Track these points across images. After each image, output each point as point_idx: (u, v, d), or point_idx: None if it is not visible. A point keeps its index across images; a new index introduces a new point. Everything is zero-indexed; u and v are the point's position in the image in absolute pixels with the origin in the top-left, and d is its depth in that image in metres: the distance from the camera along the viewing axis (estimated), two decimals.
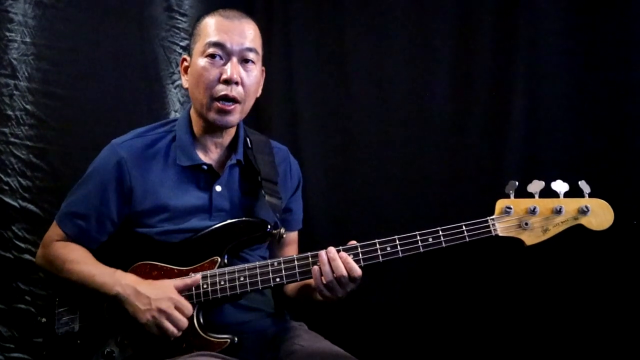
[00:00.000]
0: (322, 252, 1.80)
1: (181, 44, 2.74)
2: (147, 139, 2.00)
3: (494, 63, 2.70)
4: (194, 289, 1.84)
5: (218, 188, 1.97)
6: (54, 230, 2.01)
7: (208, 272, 1.86)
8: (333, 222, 2.81)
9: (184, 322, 1.79)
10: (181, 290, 1.83)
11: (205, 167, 1.96)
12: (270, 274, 1.84)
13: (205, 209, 1.95)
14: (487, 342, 2.64)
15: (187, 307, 1.80)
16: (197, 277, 1.85)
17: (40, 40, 2.55)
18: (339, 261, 1.77)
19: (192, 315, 1.83)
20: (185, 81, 2.01)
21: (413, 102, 2.80)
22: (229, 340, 1.82)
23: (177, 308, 1.79)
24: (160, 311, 1.77)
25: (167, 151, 1.98)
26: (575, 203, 1.80)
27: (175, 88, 2.72)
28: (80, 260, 1.93)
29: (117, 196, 1.94)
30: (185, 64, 2.01)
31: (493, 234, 1.80)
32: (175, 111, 2.70)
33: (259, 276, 1.84)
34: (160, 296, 1.79)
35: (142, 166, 1.95)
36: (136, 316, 1.80)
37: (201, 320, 1.85)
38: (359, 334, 2.63)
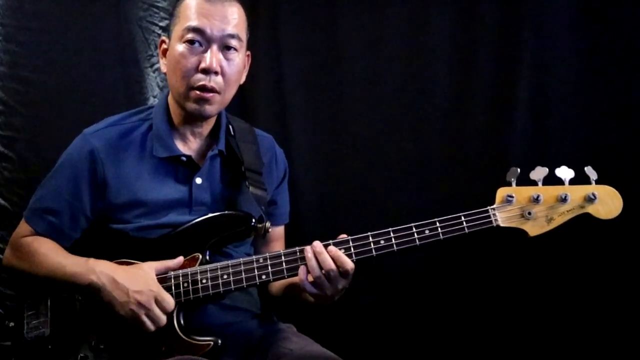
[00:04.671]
0: (308, 247, 1.79)
1: (160, 24, 2.71)
2: (121, 128, 1.97)
3: (498, 45, 2.70)
4: (173, 288, 1.82)
5: (198, 180, 1.95)
6: (23, 228, 1.98)
7: (189, 270, 1.84)
8: (324, 216, 2.81)
9: (163, 319, 1.77)
10: (163, 273, 1.82)
11: (184, 158, 1.94)
12: (256, 271, 1.82)
13: (184, 203, 1.94)
14: (489, 344, 2.64)
15: (169, 301, 1.78)
16: (180, 258, 1.84)
17: (9, 20, 2.54)
18: (325, 255, 1.76)
19: (172, 317, 1.81)
20: (163, 65, 1.98)
21: (411, 87, 2.79)
22: (212, 343, 1.79)
23: (157, 302, 1.76)
24: (140, 305, 1.75)
25: (143, 141, 1.96)
26: (581, 190, 1.78)
27: (154, 72, 2.70)
28: (49, 253, 1.90)
29: (90, 189, 1.92)
30: (164, 46, 1.98)
31: (494, 224, 1.79)
32: (154, 97, 2.67)
33: (243, 273, 1.82)
34: (140, 288, 1.76)
35: (116, 157, 1.93)
36: (112, 307, 1.78)
37: (182, 322, 1.82)
38: (352, 336, 2.64)
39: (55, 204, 1.94)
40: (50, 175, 1.98)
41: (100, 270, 1.80)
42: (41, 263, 1.89)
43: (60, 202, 1.93)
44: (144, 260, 1.86)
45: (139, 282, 1.78)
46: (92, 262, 1.84)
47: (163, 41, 1.99)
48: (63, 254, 1.90)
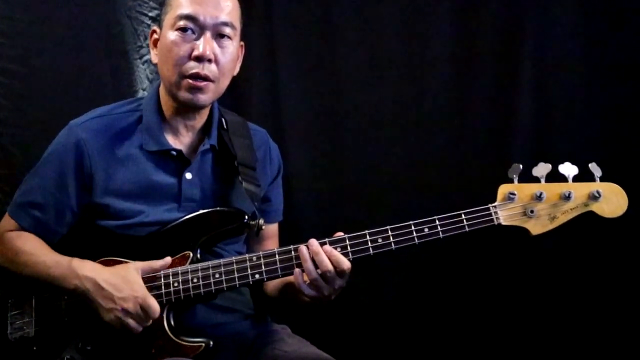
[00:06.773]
0: (303, 247, 1.78)
1: (150, 14, 2.70)
2: (109, 120, 1.96)
3: (499, 38, 2.71)
4: (163, 287, 1.81)
5: (188, 176, 1.94)
6: (7, 222, 1.97)
7: (179, 269, 1.83)
8: (320, 213, 2.81)
9: (149, 323, 1.77)
10: (148, 273, 1.81)
11: (174, 152, 1.94)
12: (249, 269, 1.81)
13: (173, 199, 1.93)
14: (489, 346, 2.64)
15: (155, 308, 1.76)
16: (167, 259, 1.83)
17: None
18: (323, 255, 1.75)
19: (162, 317, 1.80)
20: (154, 56, 1.98)
21: (410, 79, 2.79)
22: (203, 345, 1.79)
23: (143, 308, 1.76)
24: (126, 312, 1.75)
25: (132, 134, 1.95)
26: (585, 188, 1.78)
27: (143, 64, 2.69)
28: (34, 252, 1.89)
29: (77, 183, 1.91)
30: (155, 36, 1.97)
31: (495, 222, 1.78)
32: (144, 89, 2.67)
33: (236, 272, 1.81)
34: (125, 294, 1.76)
35: (103, 150, 1.91)
36: (97, 312, 1.78)
37: (172, 323, 1.82)
38: (348, 338, 2.64)
39: (40, 198, 1.92)
40: (35, 168, 1.96)
41: (84, 275, 1.80)
42: (25, 262, 1.88)
43: (46, 196, 1.92)
44: (131, 258, 1.86)
45: (124, 287, 1.77)
46: (76, 264, 1.83)
47: (154, 31, 1.98)
48: (48, 253, 1.89)
